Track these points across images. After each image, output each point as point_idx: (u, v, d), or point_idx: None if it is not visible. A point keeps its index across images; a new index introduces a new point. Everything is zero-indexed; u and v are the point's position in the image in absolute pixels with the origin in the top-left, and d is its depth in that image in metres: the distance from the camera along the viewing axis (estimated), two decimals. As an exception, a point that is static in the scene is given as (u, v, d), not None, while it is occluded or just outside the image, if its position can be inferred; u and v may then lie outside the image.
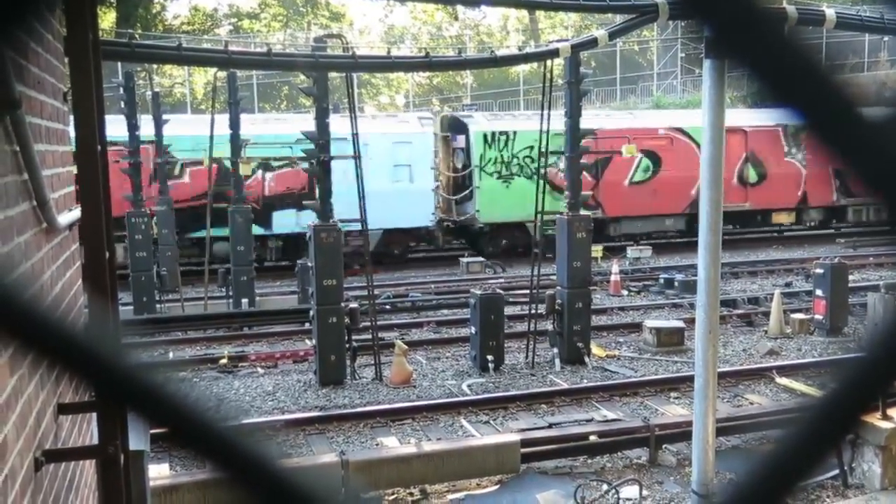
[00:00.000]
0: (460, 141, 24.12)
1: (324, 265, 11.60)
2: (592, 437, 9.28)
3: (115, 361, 0.67)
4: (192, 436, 0.67)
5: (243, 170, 16.98)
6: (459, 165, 24.40)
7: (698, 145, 22.35)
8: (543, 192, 12.57)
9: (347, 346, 11.94)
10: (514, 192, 22.74)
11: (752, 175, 25.41)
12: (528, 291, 14.12)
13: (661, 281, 19.16)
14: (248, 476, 0.65)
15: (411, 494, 8.40)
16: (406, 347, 12.25)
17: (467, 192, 23.62)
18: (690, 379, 8.70)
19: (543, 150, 12.66)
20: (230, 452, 0.65)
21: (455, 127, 24.42)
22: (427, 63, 11.46)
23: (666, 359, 13.04)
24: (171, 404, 0.67)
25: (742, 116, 24.53)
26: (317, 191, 12.11)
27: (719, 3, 0.56)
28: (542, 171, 13.12)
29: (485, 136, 23.38)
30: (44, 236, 3.34)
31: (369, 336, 12.25)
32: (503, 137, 23.45)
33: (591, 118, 20.36)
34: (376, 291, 14.65)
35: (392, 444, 9.37)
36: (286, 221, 22.25)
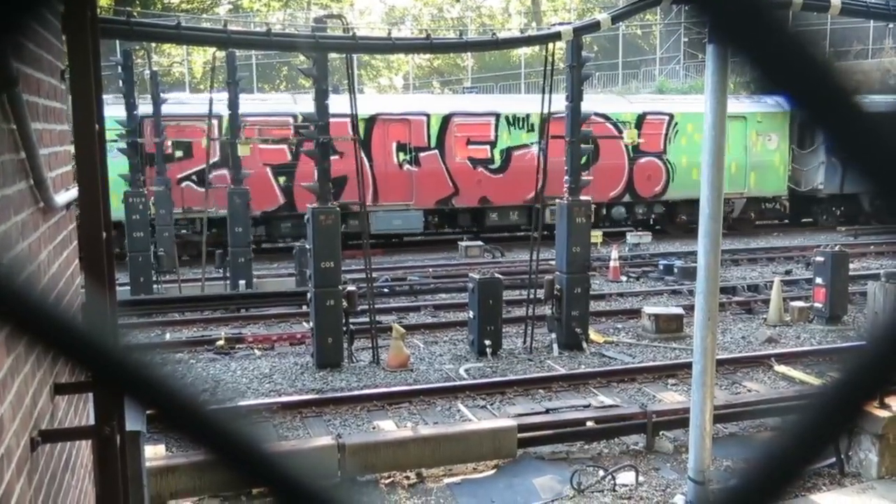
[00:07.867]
0: None
1: (322, 247, 11.57)
2: (589, 423, 9.29)
3: (108, 347, 0.66)
4: (183, 421, 0.66)
5: (241, 150, 16.91)
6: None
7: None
8: (545, 178, 12.51)
9: (345, 329, 11.93)
10: None
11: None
12: (526, 276, 14.11)
13: (661, 267, 19.16)
14: (239, 461, 0.65)
15: (407, 478, 8.41)
16: (403, 331, 12.25)
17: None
18: (688, 366, 8.73)
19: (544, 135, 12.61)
20: (222, 438, 0.64)
21: None
22: (428, 45, 11.42)
23: (664, 345, 13.06)
24: (164, 390, 0.66)
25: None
26: (315, 172, 12.04)
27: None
28: (544, 156, 13.05)
29: None
30: (41, 215, 3.32)
31: (367, 319, 12.24)
32: None
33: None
34: (374, 275, 14.64)
35: (389, 428, 9.38)
36: None
